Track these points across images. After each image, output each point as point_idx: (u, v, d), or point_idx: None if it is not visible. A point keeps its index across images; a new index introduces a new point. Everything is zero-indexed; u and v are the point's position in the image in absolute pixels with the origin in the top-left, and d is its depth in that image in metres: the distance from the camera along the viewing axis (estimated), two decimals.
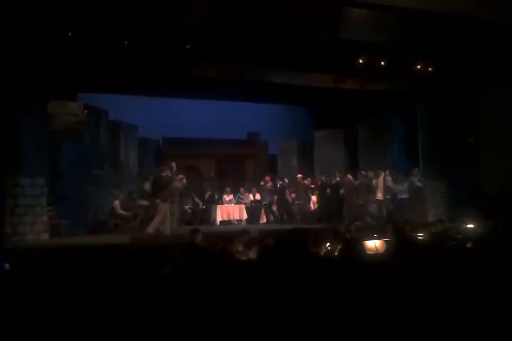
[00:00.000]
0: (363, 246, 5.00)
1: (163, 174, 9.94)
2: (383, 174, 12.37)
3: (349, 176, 12.57)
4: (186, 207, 13.77)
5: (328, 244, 5.61)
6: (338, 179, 12.85)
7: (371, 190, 12.37)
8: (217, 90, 13.41)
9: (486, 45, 10.44)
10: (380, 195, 12.30)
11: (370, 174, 12.71)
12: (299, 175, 13.22)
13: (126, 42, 9.33)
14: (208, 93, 13.95)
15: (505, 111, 11.55)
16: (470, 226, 7.95)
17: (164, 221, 9.62)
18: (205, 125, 15.90)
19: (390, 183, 12.19)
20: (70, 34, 8.87)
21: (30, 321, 3.01)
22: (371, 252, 5.21)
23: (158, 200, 9.64)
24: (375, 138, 14.37)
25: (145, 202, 10.94)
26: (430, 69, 11.58)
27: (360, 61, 11.10)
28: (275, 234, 7.76)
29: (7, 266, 4.61)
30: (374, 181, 12.49)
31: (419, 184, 12.22)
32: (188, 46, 9.80)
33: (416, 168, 12.59)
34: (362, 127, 14.80)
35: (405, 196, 12.34)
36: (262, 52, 10.28)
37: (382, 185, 12.20)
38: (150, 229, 9.50)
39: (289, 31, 9.76)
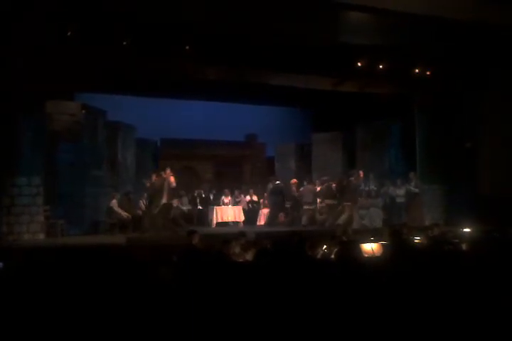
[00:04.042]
0: (359, 249, 5.01)
1: (353, 178, 11.58)
2: (166, 176, 10.84)
3: (153, 177, 11.03)
4: (183, 208, 13.76)
5: (325, 246, 5.61)
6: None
7: (161, 193, 10.65)
8: (216, 91, 13.40)
9: (485, 49, 10.45)
10: (164, 200, 10.67)
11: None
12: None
13: (124, 43, 9.31)
14: (206, 94, 13.94)
15: (505, 115, 11.57)
16: (467, 230, 7.96)
17: (351, 219, 11.24)
18: (203, 126, 15.87)
19: (173, 186, 10.84)
20: (69, 34, 8.85)
21: (22, 320, 2.99)
22: (368, 255, 5.21)
23: (346, 201, 11.36)
24: (374, 141, 14.36)
25: (331, 202, 12.22)
26: (428, 73, 11.60)
27: (359, 64, 11.10)
28: (272, 237, 7.77)
29: (1, 264, 4.59)
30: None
31: (416, 188, 12.21)
32: (187, 47, 9.79)
33: (413, 172, 12.59)
34: (360, 130, 14.80)
35: (402, 200, 12.35)
36: (261, 55, 10.28)
37: (167, 187, 10.68)
38: (340, 220, 11.24)
39: (289, 33, 9.76)
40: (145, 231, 10.60)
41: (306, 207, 12.70)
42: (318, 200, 12.74)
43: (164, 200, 10.60)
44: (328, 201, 12.29)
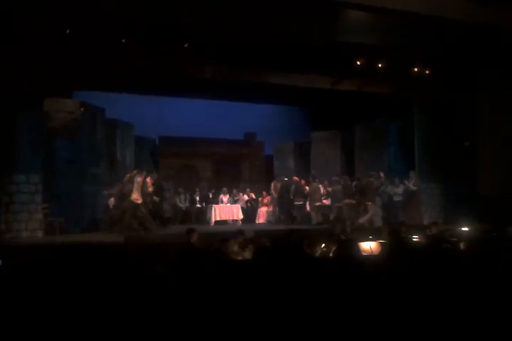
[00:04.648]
0: (358, 248, 5.01)
1: (372, 179, 11.96)
2: (139, 174, 10.99)
3: (126, 176, 11.20)
4: (181, 205, 13.76)
5: (324, 245, 5.62)
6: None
7: (130, 192, 10.74)
8: (215, 90, 13.38)
9: (484, 49, 10.46)
10: (135, 197, 10.65)
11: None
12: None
13: (123, 41, 9.30)
14: (205, 92, 13.91)
15: (503, 114, 11.59)
16: (465, 229, 7.98)
17: (372, 219, 11.73)
18: (202, 124, 15.86)
19: (149, 190, 11.09)
20: (68, 32, 8.83)
21: (20, 317, 2.99)
22: (366, 254, 5.22)
23: (367, 201, 11.69)
24: (372, 140, 14.36)
25: (351, 201, 12.26)
26: (427, 72, 11.61)
27: (358, 63, 11.10)
28: (271, 235, 7.77)
29: None
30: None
31: (415, 187, 12.22)
32: (185, 45, 9.79)
33: (412, 170, 12.60)
34: (359, 129, 14.80)
35: (400, 198, 12.37)
36: (260, 53, 10.27)
37: (137, 185, 10.73)
38: (362, 220, 11.61)
39: (288, 33, 9.75)
40: (113, 231, 10.27)
41: (317, 203, 12.72)
42: (323, 197, 12.80)
43: (133, 198, 10.49)
44: (347, 200, 12.23)
